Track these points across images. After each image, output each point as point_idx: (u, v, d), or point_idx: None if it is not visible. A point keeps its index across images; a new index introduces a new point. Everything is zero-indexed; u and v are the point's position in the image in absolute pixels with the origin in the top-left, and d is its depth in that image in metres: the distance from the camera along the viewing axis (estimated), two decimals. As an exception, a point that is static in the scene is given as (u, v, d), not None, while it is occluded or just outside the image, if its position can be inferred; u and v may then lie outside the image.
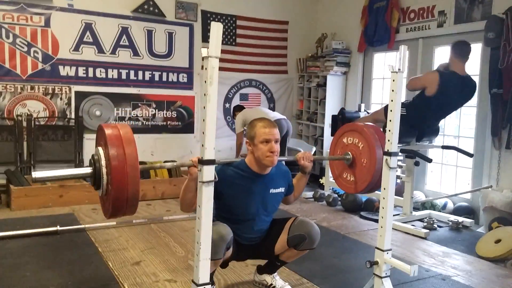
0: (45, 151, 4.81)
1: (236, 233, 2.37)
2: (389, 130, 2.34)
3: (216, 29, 1.71)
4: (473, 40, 4.56)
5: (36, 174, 1.82)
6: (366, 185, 2.54)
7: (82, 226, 3.69)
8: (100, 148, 1.90)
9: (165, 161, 5.21)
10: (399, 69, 2.28)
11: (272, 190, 2.47)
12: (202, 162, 1.80)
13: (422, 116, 4.16)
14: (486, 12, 4.41)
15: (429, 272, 3.13)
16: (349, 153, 2.62)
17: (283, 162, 2.75)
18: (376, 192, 4.57)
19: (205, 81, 1.77)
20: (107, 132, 1.82)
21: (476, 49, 4.59)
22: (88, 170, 1.91)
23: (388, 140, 2.35)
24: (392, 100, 2.32)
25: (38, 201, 4.23)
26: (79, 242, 3.40)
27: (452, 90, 4.00)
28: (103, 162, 1.84)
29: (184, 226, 3.91)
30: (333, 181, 5.18)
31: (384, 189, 2.39)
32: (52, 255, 3.13)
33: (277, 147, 2.33)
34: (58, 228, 3.53)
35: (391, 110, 2.32)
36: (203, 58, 1.76)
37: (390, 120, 2.33)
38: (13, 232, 3.44)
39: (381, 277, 2.39)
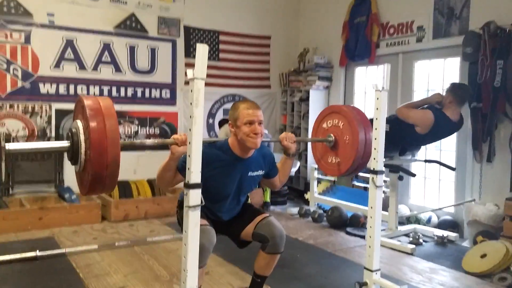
0: (25, 171, 4.67)
1: (206, 207, 2.33)
2: (375, 148, 2.34)
3: (202, 51, 1.70)
4: (451, 54, 4.68)
5: (10, 145, 1.75)
6: (351, 163, 2.52)
7: (63, 250, 3.56)
8: (78, 121, 1.82)
9: (148, 179, 5.15)
10: (382, 88, 2.29)
11: (251, 173, 2.44)
12: (188, 186, 1.77)
13: (405, 140, 4.18)
14: (463, 27, 4.50)
15: (417, 290, 3.11)
16: (331, 134, 2.62)
17: (267, 145, 2.71)
18: (362, 207, 4.64)
19: (191, 103, 1.74)
20: (86, 103, 1.75)
21: (455, 64, 4.68)
22: (65, 143, 1.83)
23: (374, 159, 2.35)
24: (376, 118, 2.33)
25: (16, 224, 4.08)
26: (59, 268, 3.28)
27: (441, 132, 4.09)
28: (81, 135, 1.76)
29: (168, 247, 3.83)
30: (319, 196, 5.27)
31: (371, 207, 2.38)
32: (31, 283, 3.01)
33: (260, 129, 2.30)
34: (37, 253, 3.40)
35: (375, 128, 2.33)
36: (187, 81, 1.74)
37: (375, 138, 2.34)
38: (-11, 259, 3.29)
39: (370, 298, 2.37)
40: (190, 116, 1.74)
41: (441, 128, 4.02)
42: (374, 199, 2.32)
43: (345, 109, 2.56)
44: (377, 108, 2.31)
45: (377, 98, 2.30)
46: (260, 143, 2.32)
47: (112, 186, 1.81)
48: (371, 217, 2.36)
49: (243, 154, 2.35)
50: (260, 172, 2.50)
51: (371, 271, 2.34)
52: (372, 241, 2.38)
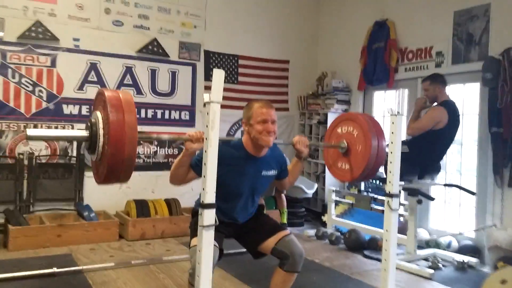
0: (45, 189, 4.78)
1: (220, 209, 2.31)
2: (390, 172, 2.35)
3: (218, 76, 1.76)
4: (470, 80, 4.67)
5: (30, 131, 1.81)
6: (362, 171, 2.54)
7: (80, 267, 3.62)
8: (98, 112, 1.87)
9: (165, 199, 5.20)
10: (398, 112, 2.31)
11: (264, 173, 2.47)
12: (203, 206, 1.80)
13: (427, 151, 4.16)
14: (483, 53, 4.50)
15: (435, 316, 3.05)
16: (344, 141, 2.63)
17: (278, 147, 2.74)
18: (380, 230, 4.58)
19: (207, 126, 1.79)
20: (107, 95, 1.81)
21: (474, 89, 4.66)
22: (84, 133, 1.87)
23: (389, 182, 2.35)
24: (392, 142, 2.34)
25: (36, 241, 4.16)
26: (76, 285, 3.33)
27: (456, 114, 4.14)
28: (100, 129, 1.80)
29: (184, 267, 3.84)
30: (336, 219, 5.24)
31: (387, 231, 2.37)
32: (49, 299, 3.06)
33: (273, 127, 2.33)
34: (55, 270, 3.46)
35: (391, 152, 2.34)
36: (204, 104, 1.79)
37: (391, 162, 2.34)
38: (9, 275, 3.35)
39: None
40: (206, 138, 1.78)
41: (454, 112, 4.13)
42: (389, 222, 2.32)
43: (361, 118, 2.60)
44: (392, 132, 2.33)
45: (392, 123, 2.32)
46: (273, 144, 2.36)
47: (126, 178, 1.85)
48: (386, 240, 2.35)
49: (256, 152, 2.39)
50: (273, 172, 2.53)
51: (386, 295, 2.33)
52: (387, 264, 2.36)
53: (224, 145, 2.38)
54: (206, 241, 1.80)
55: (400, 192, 4.61)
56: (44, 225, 4.34)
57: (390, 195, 2.31)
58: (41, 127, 4.84)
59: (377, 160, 2.44)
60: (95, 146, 1.82)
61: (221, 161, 2.22)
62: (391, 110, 2.32)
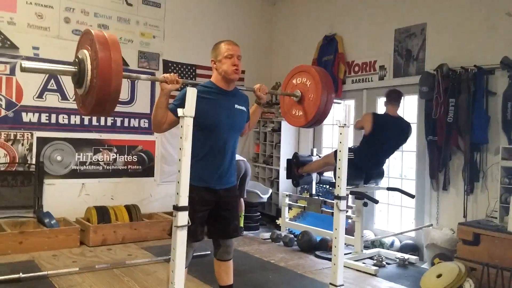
0: (4, 197, 4.77)
1: (209, 171, 2.53)
2: (338, 177, 2.66)
3: (191, 93, 2.00)
4: (409, 92, 5.08)
5: (25, 63, 2.00)
6: (313, 116, 2.82)
7: (45, 272, 3.70)
8: (85, 51, 2.06)
9: (125, 205, 5.31)
10: (344, 124, 2.63)
11: (237, 106, 2.69)
12: (177, 208, 2.02)
13: (368, 156, 4.54)
14: (420, 68, 4.97)
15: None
16: (298, 90, 2.94)
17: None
18: (330, 232, 4.92)
19: (181, 137, 2.02)
20: (95, 36, 2.00)
21: (413, 101, 5.13)
22: (72, 68, 2.07)
23: (338, 186, 2.67)
24: (340, 151, 2.66)
25: (-3, 248, 4.18)
26: (42, 289, 3.42)
27: (385, 127, 4.48)
28: (89, 64, 1.99)
29: (147, 270, 4.00)
30: (290, 222, 5.55)
31: (336, 229, 2.68)
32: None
33: (239, 62, 2.60)
34: (21, 275, 3.52)
35: (339, 159, 2.66)
36: (179, 117, 2.02)
37: (339, 168, 2.66)
38: (-27, 281, 3.40)
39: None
40: (180, 148, 2.02)
41: (382, 122, 4.50)
42: (338, 221, 2.62)
43: (313, 70, 2.91)
44: (340, 142, 2.65)
45: (340, 133, 2.64)
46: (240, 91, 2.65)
47: (111, 110, 2.07)
48: (335, 238, 2.65)
49: (226, 86, 2.64)
50: (244, 108, 2.76)
51: (336, 286, 2.62)
52: (336, 259, 2.67)
53: (195, 86, 2.54)
54: (180, 240, 2.02)
55: (347, 195, 5.03)
56: (5, 232, 4.34)
57: (339, 198, 2.61)
58: (0, 135, 4.84)
59: (326, 106, 2.76)
60: (83, 81, 2.02)
61: (197, 98, 2.35)
62: (339, 122, 2.64)
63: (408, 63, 5.13)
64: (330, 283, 2.67)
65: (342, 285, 2.66)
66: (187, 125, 1.98)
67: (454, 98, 4.49)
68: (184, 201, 2.00)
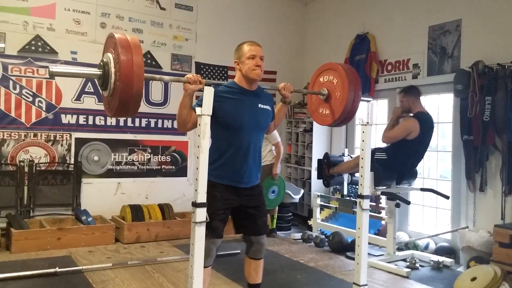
0: (45, 195, 5.02)
1: (232, 170, 2.54)
2: (361, 176, 2.63)
3: (208, 92, 2.04)
4: (444, 90, 4.96)
5: (52, 68, 2.07)
6: (340, 114, 2.79)
7: (80, 267, 3.86)
8: (109, 54, 2.13)
9: (159, 204, 5.45)
10: (367, 122, 2.60)
11: (261, 105, 2.71)
12: (196, 205, 2.07)
13: (403, 158, 4.42)
14: (455, 65, 4.82)
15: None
16: (325, 89, 2.91)
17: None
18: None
19: (199, 135, 2.07)
20: (117, 37, 2.08)
21: (448, 99, 4.98)
22: (97, 72, 2.14)
23: (361, 185, 2.64)
24: (362, 149, 2.63)
25: (37, 244, 4.40)
26: (77, 284, 3.56)
27: (427, 128, 4.38)
28: (112, 67, 2.06)
29: (176, 267, 4.10)
30: (321, 222, 5.51)
31: (359, 228, 2.65)
32: (52, 296, 3.28)
33: (261, 62, 2.61)
34: (57, 269, 3.70)
35: (362, 158, 2.63)
36: (198, 115, 2.07)
37: (362, 167, 2.63)
38: (14, 274, 3.58)
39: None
40: (198, 146, 2.06)
41: (426, 123, 4.36)
42: (361, 220, 2.59)
43: (340, 67, 2.87)
44: (363, 140, 2.61)
45: (363, 132, 2.61)
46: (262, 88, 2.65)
47: (134, 112, 2.14)
48: (358, 237, 2.62)
49: (249, 86, 2.66)
50: (269, 107, 2.77)
51: (359, 285, 2.59)
52: (359, 259, 2.64)
53: (217, 86, 2.61)
54: (198, 236, 2.07)
55: (379, 196, 4.94)
56: (45, 228, 4.57)
57: (362, 196, 2.58)
58: (41, 135, 5.09)
59: (353, 104, 2.73)
60: (108, 83, 2.09)
61: (220, 98, 2.44)
62: (361, 120, 2.61)
63: (443, 60, 4.99)
64: (354, 283, 2.64)
65: (366, 285, 2.62)
66: (204, 123, 2.02)
67: (491, 96, 4.32)
68: (202, 197, 2.04)
